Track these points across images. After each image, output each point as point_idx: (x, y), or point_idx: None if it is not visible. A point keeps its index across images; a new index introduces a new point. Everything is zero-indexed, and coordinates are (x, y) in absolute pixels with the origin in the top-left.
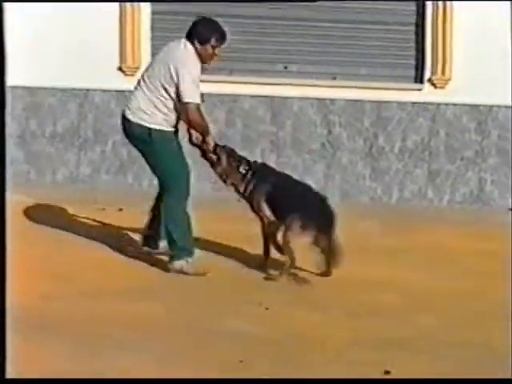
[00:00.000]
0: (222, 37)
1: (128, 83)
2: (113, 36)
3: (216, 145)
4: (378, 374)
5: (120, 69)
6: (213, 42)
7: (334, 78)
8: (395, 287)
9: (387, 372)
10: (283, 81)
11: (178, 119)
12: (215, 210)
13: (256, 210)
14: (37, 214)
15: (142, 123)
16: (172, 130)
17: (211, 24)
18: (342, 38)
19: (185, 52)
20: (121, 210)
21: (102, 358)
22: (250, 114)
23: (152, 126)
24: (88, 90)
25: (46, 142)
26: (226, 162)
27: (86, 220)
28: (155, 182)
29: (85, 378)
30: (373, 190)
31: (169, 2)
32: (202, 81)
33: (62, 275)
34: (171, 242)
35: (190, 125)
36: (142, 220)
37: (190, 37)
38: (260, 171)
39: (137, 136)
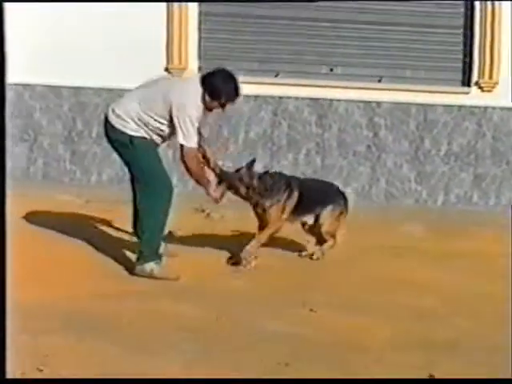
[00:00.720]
0: (233, 97)
1: None
2: (160, 36)
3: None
4: (420, 377)
5: (167, 69)
6: (223, 99)
7: (380, 81)
8: (437, 290)
9: (431, 376)
10: (329, 83)
11: (163, 141)
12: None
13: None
14: (85, 212)
15: (124, 130)
16: (154, 140)
17: (227, 81)
18: (389, 41)
19: (192, 95)
20: None
21: (147, 358)
22: (296, 115)
23: (133, 133)
24: None
25: (92, 142)
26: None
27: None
28: None
29: (85, 377)
30: (418, 192)
31: (216, 1)
32: (248, 82)
33: (110, 274)
34: (142, 242)
35: (185, 167)
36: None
37: (203, 82)
38: (275, 182)
39: (118, 141)
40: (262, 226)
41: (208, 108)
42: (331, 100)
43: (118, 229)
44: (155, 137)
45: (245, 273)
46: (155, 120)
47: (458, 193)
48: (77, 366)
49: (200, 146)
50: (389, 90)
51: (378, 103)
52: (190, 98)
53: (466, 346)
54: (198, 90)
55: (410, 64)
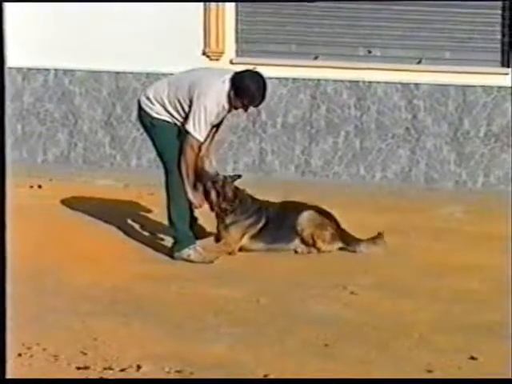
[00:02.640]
0: (257, 101)
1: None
2: (197, 20)
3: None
4: (463, 360)
5: (204, 53)
6: (246, 101)
7: (419, 62)
8: (478, 272)
9: (473, 358)
10: (367, 65)
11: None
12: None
13: None
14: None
15: (149, 112)
16: (177, 125)
17: (256, 84)
18: (427, 22)
19: (216, 88)
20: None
21: (188, 341)
22: (334, 98)
23: (156, 115)
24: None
25: (131, 127)
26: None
27: None
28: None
29: (85, 378)
30: (457, 174)
31: None
32: (286, 65)
33: (151, 258)
34: (174, 228)
35: (182, 155)
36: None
37: (234, 79)
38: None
39: (143, 123)
40: (217, 237)
41: (231, 106)
42: (370, 82)
43: (157, 213)
44: (178, 122)
45: (284, 256)
46: (179, 103)
47: (498, 174)
48: (119, 348)
49: (202, 142)
50: (428, 71)
51: (417, 85)
52: (213, 90)
53: (509, 327)
54: (225, 85)
55: (450, 45)
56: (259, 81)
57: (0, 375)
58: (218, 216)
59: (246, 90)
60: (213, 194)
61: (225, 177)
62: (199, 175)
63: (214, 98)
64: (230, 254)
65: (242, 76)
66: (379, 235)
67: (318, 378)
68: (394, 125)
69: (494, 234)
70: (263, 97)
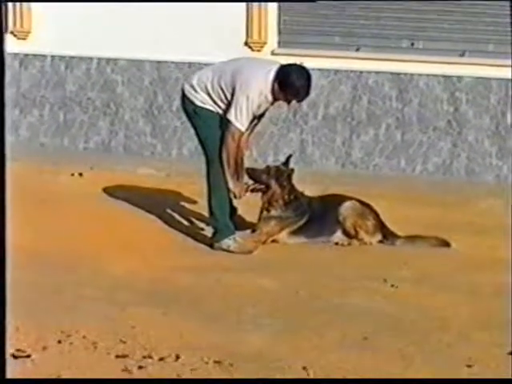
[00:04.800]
0: (301, 95)
1: None
2: (240, 10)
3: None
4: (502, 355)
5: (246, 43)
6: (289, 95)
7: (462, 55)
8: None
9: (510, 354)
10: (410, 57)
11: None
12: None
13: None
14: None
15: (193, 100)
16: (220, 114)
17: (302, 78)
18: (470, 14)
19: (261, 79)
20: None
21: (227, 332)
22: (376, 90)
23: (200, 104)
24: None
25: (172, 116)
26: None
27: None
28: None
29: (85, 378)
30: (499, 168)
31: None
32: (328, 56)
33: (191, 247)
34: (214, 218)
35: (224, 145)
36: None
37: (279, 71)
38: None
39: (186, 111)
40: (255, 228)
41: (274, 98)
42: (412, 74)
43: (198, 203)
44: (221, 111)
45: (324, 248)
46: (222, 92)
47: None
48: (158, 338)
49: (243, 132)
50: (471, 64)
51: (459, 78)
52: (257, 80)
53: None
54: (269, 75)
55: (493, 38)
56: (305, 76)
57: (0, 375)
58: (264, 207)
59: (291, 84)
60: (275, 186)
61: (284, 169)
62: (250, 173)
63: (257, 88)
64: (263, 243)
65: (288, 69)
66: (418, 236)
67: (320, 378)
68: (436, 117)
69: None
70: (307, 93)
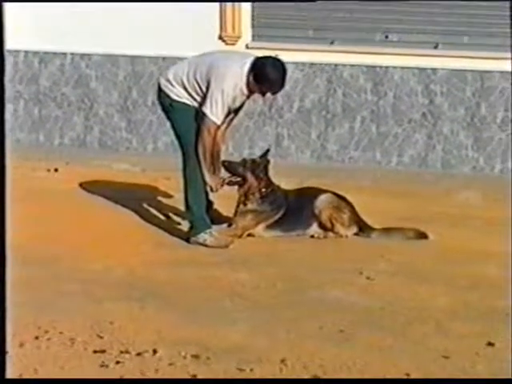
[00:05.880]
0: (276, 88)
1: None
2: (214, 4)
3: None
4: (480, 346)
5: (220, 37)
6: (264, 88)
7: (436, 47)
8: (496, 259)
9: (490, 344)
10: (384, 50)
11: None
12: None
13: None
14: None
15: (169, 94)
16: (196, 108)
17: (277, 71)
18: (444, 7)
19: (235, 71)
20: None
21: (205, 325)
22: (351, 83)
23: (176, 98)
24: None
25: (147, 111)
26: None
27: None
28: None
29: (85, 378)
30: (475, 160)
31: None
32: (302, 50)
33: (167, 242)
34: (190, 213)
35: (200, 138)
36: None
37: (254, 64)
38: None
39: (162, 104)
40: (231, 222)
41: (249, 90)
42: (387, 67)
43: (174, 197)
44: (197, 104)
45: (300, 241)
46: (198, 85)
47: None
48: (135, 333)
49: (219, 126)
50: (445, 56)
51: (434, 70)
52: (232, 72)
53: None
54: (244, 68)
55: (467, 30)
56: (280, 69)
57: (0, 375)
58: (240, 201)
59: (266, 76)
60: (252, 178)
61: (260, 161)
62: (217, 159)
63: (232, 80)
64: (239, 237)
65: (263, 62)
66: (394, 228)
67: (317, 378)
68: (411, 110)
69: (510, 220)
70: (282, 85)
